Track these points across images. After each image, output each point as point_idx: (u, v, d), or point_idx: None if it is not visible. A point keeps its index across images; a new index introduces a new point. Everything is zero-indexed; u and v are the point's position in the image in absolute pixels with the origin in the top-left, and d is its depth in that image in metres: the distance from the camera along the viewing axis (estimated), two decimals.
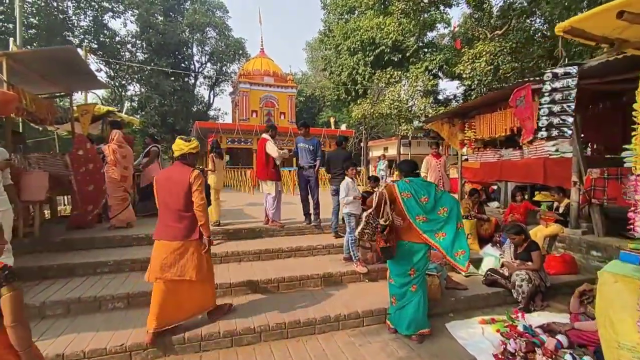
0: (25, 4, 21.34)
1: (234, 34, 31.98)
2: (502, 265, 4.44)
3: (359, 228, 3.42)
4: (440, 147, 6.90)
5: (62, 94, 6.74)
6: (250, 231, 5.69)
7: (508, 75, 11.83)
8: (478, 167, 7.24)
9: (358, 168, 12.46)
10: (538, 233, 5.21)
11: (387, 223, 3.29)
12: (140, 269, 4.43)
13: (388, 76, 16.32)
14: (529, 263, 4.11)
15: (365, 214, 3.45)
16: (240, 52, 31.80)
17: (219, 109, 40.45)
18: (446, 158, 6.80)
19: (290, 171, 12.90)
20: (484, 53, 11.29)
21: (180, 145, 3.23)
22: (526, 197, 6.96)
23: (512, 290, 4.04)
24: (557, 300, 4.27)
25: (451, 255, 3.28)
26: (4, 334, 1.67)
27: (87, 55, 10.23)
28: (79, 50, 7.06)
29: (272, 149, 5.62)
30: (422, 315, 3.34)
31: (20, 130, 7.20)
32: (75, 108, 6.96)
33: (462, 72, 12.22)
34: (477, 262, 4.96)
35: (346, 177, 4.83)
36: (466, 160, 7.85)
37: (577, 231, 5.05)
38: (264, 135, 5.80)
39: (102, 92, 27.66)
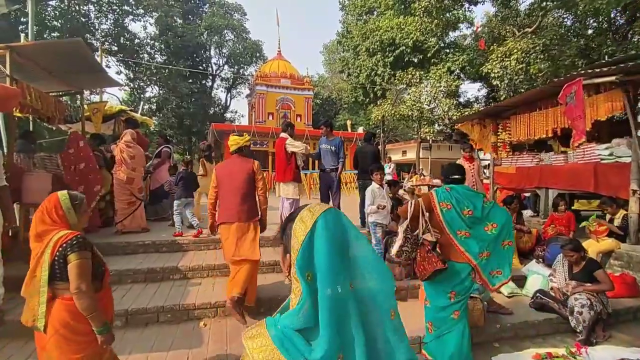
0: (48, 7, 21.78)
1: (252, 36, 31.93)
2: (551, 288, 3.85)
3: (396, 246, 2.91)
4: (468, 151, 6.26)
5: (71, 91, 6.47)
6: (264, 239, 5.23)
7: (539, 75, 11.07)
8: (513, 172, 6.61)
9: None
10: (590, 249, 4.56)
11: (436, 239, 2.82)
12: (144, 280, 4.04)
13: (410, 76, 15.66)
14: (588, 284, 3.51)
15: (401, 228, 2.94)
16: (258, 54, 31.66)
17: (236, 112, 40.46)
18: (478, 163, 6.17)
19: (306, 174, 12.43)
20: (515, 51, 10.57)
21: (236, 140, 3.60)
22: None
23: (570, 318, 3.45)
24: (619, 330, 3.66)
25: (486, 273, 2.81)
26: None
27: (103, 56, 10.06)
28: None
29: (294, 144, 5.18)
30: (466, 349, 2.80)
31: (31, 129, 6.99)
32: (86, 107, 6.70)
33: (489, 71, 11.53)
34: (519, 281, 4.37)
35: (373, 183, 4.33)
36: (498, 164, 7.22)
37: (638, 247, 4.39)
38: (283, 135, 5.35)
39: (121, 94, 28.04)
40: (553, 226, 5.39)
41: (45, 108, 5.38)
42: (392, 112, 14.95)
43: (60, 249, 1.81)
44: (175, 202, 5.48)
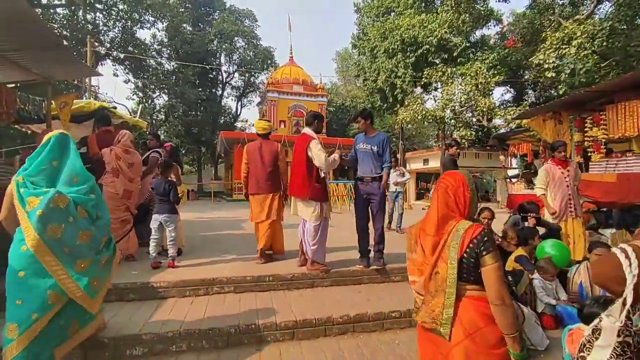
0: (56, 15, 21.13)
1: (263, 43, 30.93)
2: None
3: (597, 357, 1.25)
4: (560, 151, 4.54)
5: (36, 81, 5.06)
6: (277, 279, 3.64)
7: (602, 66, 9.36)
8: (614, 180, 4.91)
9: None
10: None
11: None
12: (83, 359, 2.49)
13: (439, 74, 14.01)
14: None
15: (609, 320, 1.25)
16: (269, 61, 30.64)
17: (246, 120, 38.92)
18: (575, 168, 4.44)
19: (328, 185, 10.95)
20: (577, 35, 8.89)
21: (262, 126, 4.33)
22: None
23: None
24: None
25: None
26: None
27: (91, 47, 8.74)
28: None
29: (317, 152, 3.58)
30: None
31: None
32: (52, 102, 5.30)
33: (542, 62, 9.83)
34: None
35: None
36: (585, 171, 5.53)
37: None
38: (306, 131, 3.79)
39: (130, 104, 27.17)
40: None
41: None
42: (423, 113, 13.26)
43: (471, 245, 1.43)
44: (153, 217, 4.15)
